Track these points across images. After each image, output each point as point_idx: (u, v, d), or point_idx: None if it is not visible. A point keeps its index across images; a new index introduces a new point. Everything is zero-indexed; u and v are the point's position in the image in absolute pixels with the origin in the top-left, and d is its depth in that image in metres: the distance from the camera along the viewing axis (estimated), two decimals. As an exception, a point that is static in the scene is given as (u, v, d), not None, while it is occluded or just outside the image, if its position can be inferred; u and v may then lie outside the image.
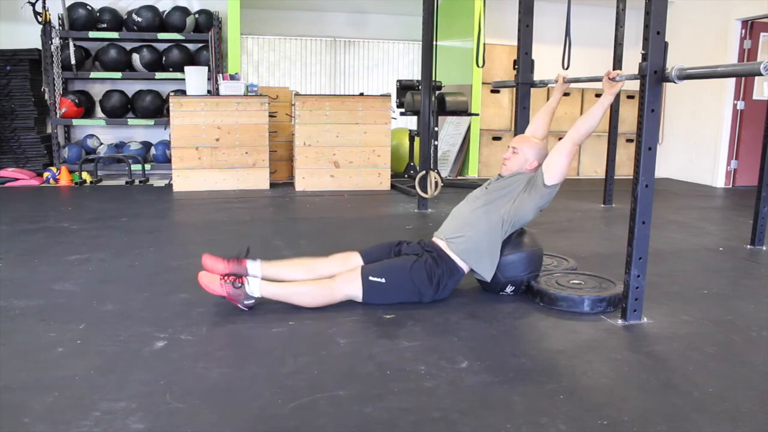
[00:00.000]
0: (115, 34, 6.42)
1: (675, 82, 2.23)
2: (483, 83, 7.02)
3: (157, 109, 6.66)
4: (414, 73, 8.11)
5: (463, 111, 6.23)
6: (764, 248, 3.70)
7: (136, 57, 6.53)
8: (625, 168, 7.29)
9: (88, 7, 6.39)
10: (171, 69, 6.57)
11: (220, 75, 5.83)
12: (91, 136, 6.62)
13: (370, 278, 2.45)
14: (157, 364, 1.93)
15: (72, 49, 6.29)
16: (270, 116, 5.90)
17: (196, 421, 1.58)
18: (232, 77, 5.81)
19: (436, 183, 4.80)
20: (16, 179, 5.94)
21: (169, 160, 6.25)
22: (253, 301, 2.40)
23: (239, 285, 2.36)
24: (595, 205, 5.28)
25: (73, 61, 6.31)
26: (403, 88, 6.46)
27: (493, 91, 7.17)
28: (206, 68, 5.94)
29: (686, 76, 2.19)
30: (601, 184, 5.45)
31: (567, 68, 3.25)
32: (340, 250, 2.69)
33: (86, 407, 1.64)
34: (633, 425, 1.60)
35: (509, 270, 2.63)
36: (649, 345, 2.18)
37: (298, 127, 5.81)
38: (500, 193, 2.65)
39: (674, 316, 2.45)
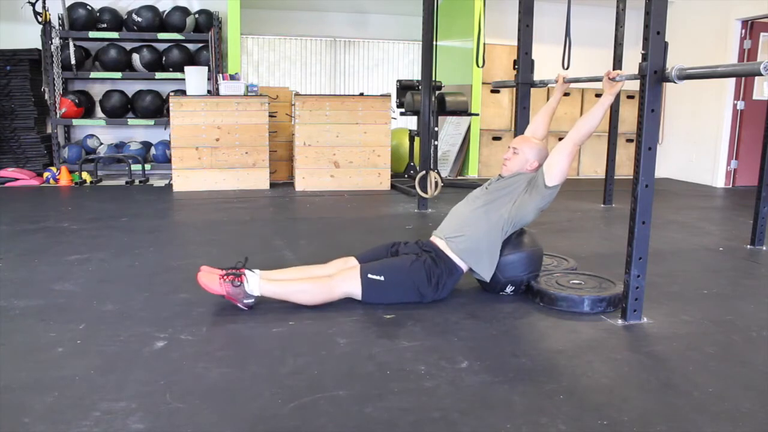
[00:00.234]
0: (115, 34, 6.42)
1: (675, 82, 2.23)
2: (483, 83, 7.02)
3: (157, 109, 6.67)
4: (414, 73, 8.11)
5: (463, 111, 6.23)
6: (764, 248, 3.70)
7: (136, 57, 6.53)
8: (625, 168, 7.29)
9: (88, 7, 6.39)
10: (171, 69, 6.57)
11: (220, 75, 5.83)
12: (91, 136, 6.62)
13: (369, 276, 2.45)
14: (157, 364, 1.93)
15: (72, 49, 6.29)
16: (270, 116, 5.90)
17: (196, 421, 1.58)
18: (232, 77, 5.81)
19: (436, 183, 4.80)
20: (16, 179, 5.94)
21: (169, 160, 6.25)
22: (253, 300, 2.40)
23: (238, 284, 2.36)
24: (595, 205, 5.28)
25: (73, 61, 6.31)
26: (403, 88, 6.46)
27: (493, 91, 7.17)
28: (206, 68, 5.94)
29: (686, 76, 2.19)
30: (601, 184, 5.45)
31: (567, 68, 3.25)
32: (340, 250, 2.70)
33: (86, 407, 1.64)
34: (633, 425, 1.60)
35: (509, 270, 2.63)
36: (649, 345, 2.18)
37: (298, 127, 5.81)
38: (500, 194, 2.65)
39: (674, 316, 2.45)
